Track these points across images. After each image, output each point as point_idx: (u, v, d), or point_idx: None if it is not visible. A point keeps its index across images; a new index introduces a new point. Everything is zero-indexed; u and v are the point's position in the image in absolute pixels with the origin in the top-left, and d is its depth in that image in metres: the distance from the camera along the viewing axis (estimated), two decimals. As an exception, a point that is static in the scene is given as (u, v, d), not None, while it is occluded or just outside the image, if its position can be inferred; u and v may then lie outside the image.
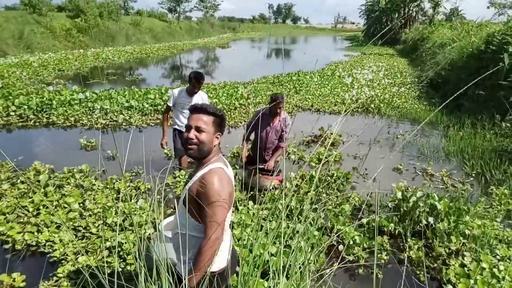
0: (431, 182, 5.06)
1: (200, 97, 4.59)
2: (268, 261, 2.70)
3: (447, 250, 3.33)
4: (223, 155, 1.87)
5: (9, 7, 23.56)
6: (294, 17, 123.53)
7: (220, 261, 1.74)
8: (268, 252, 2.76)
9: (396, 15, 38.33)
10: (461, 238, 3.43)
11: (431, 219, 3.62)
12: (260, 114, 4.12)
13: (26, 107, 7.47)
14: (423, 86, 12.34)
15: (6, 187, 4.17)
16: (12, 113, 7.25)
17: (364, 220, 3.67)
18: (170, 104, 4.61)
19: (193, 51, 28.23)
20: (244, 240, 3.09)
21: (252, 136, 4.61)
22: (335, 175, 4.89)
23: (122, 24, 27.90)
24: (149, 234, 3.34)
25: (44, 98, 7.88)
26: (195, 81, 4.36)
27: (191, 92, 4.47)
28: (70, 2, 25.17)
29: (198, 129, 1.66)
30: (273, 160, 4.42)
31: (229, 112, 8.30)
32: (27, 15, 20.94)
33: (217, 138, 1.74)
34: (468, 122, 7.34)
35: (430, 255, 3.35)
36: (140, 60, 20.06)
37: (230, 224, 1.89)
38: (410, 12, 37.16)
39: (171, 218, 2.86)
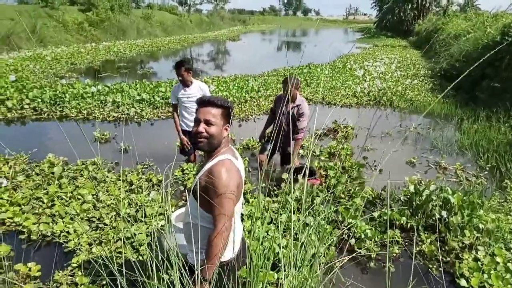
0: (444, 176, 4.99)
1: (198, 87, 4.41)
2: (278, 253, 2.71)
3: (461, 244, 3.30)
4: (233, 146, 1.87)
5: (22, 1, 23.80)
6: (304, 9, 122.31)
7: (229, 251, 1.76)
8: (278, 245, 2.76)
9: (409, 6, 37.58)
10: (474, 232, 3.38)
11: (444, 213, 3.57)
12: (277, 98, 4.13)
13: (39, 100, 7.57)
14: (436, 78, 12.13)
15: (21, 179, 4.25)
16: (26, 106, 7.36)
17: (376, 214, 3.65)
18: (174, 102, 4.52)
19: (203, 44, 28.21)
20: (255, 232, 3.10)
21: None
22: (346, 167, 4.88)
23: (133, 17, 27.99)
24: (162, 226, 3.38)
25: (57, 92, 7.97)
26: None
27: (184, 83, 4.33)
28: (81, -5, 25.31)
29: (207, 122, 1.66)
30: (295, 157, 4.23)
31: (239, 105, 8.29)
32: (40, 9, 21.13)
33: (226, 130, 1.74)
34: (483, 115, 7.20)
35: (443, 249, 3.32)
36: (151, 54, 20.13)
37: (240, 216, 1.90)
38: (424, 3, 36.42)
39: (183, 209, 2.88)
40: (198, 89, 4.38)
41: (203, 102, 1.71)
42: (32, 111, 7.31)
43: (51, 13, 21.30)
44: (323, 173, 4.62)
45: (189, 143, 4.59)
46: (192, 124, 4.42)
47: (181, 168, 4.81)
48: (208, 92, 4.50)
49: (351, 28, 73.70)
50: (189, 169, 4.76)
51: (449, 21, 20.86)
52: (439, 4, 36.01)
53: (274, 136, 3.98)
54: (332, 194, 4.17)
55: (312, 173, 4.31)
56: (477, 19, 15.91)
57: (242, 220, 3.13)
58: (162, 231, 3.09)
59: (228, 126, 1.75)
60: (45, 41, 18.52)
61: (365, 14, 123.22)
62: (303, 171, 3.71)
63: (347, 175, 4.63)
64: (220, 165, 1.63)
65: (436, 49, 16.99)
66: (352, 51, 22.35)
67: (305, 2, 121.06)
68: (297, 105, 4.08)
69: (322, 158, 5.40)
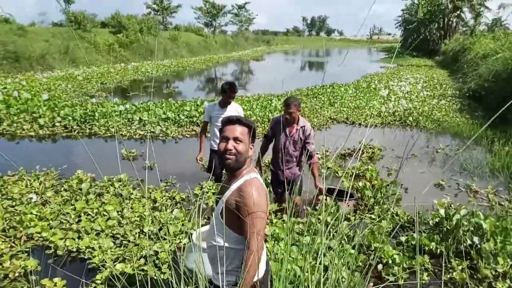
0: (475, 200, 4.79)
1: (235, 109, 4.42)
2: (299, 276, 2.64)
3: (494, 272, 3.13)
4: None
5: (56, 24, 25.10)
6: (328, 30, 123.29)
7: (258, 271, 1.74)
8: (300, 268, 2.70)
9: (435, 25, 37.23)
10: (508, 260, 3.21)
11: (476, 239, 3.41)
12: (275, 122, 3.76)
13: (70, 118, 7.87)
14: (465, 98, 11.84)
15: (50, 194, 4.38)
16: (58, 124, 7.66)
17: (403, 238, 3.52)
18: (206, 119, 4.46)
19: (227, 64, 28.76)
20: (277, 253, 3.05)
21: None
22: (377, 185, 4.77)
23: (160, 38, 28.96)
24: (184, 244, 3.38)
25: (88, 110, 8.27)
26: (230, 91, 4.22)
27: (224, 104, 4.32)
28: (113, 18, 26.49)
29: (236, 140, 1.68)
30: (319, 181, 3.96)
31: (262, 124, 8.33)
32: (73, 31, 22.23)
33: (251, 148, 1.77)
34: (514, 136, 6.94)
35: (475, 277, 3.15)
36: (176, 73, 20.67)
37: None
38: (450, 22, 35.98)
39: (206, 228, 2.87)
40: (235, 110, 4.37)
41: (231, 121, 1.74)
42: (63, 128, 7.59)
43: (83, 35, 22.37)
44: (357, 194, 4.53)
45: (202, 160, 4.58)
46: None
47: (200, 186, 4.83)
48: (242, 113, 4.49)
49: (375, 47, 73.47)
50: (208, 188, 4.76)
51: (477, 41, 20.46)
52: (466, 24, 35.45)
53: (279, 162, 3.81)
54: (361, 218, 4.07)
55: (349, 195, 4.15)
56: (506, 39, 15.55)
57: (266, 241, 3.09)
58: (184, 251, 3.09)
59: (253, 146, 1.78)
60: (77, 62, 19.40)
61: (389, 34, 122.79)
62: (335, 192, 3.50)
63: (381, 193, 4.55)
64: (249, 184, 1.64)
65: (463, 69, 16.65)
66: (376, 70, 22.22)
67: (328, 22, 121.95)
68: (302, 127, 3.73)
69: (344, 179, 5.29)
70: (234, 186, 1.68)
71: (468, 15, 34.87)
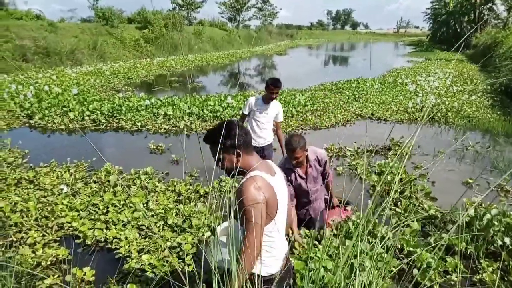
0: (506, 199, 4.62)
1: (276, 106, 4.46)
2: (323, 276, 2.62)
3: (526, 275, 3.01)
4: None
5: (85, 20, 25.80)
6: (353, 23, 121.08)
7: (270, 267, 1.76)
8: (325, 267, 2.67)
9: (466, 18, 35.89)
10: (542, 262, 3.08)
11: (507, 240, 3.29)
12: (284, 169, 3.03)
13: (99, 112, 8.08)
14: (496, 94, 11.38)
15: (80, 186, 4.53)
16: (87, 118, 7.89)
17: (432, 239, 3.43)
18: (246, 112, 4.47)
19: (251, 59, 28.75)
20: (300, 252, 3.04)
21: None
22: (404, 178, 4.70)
23: (185, 33, 29.24)
24: (207, 238, 3.42)
25: (115, 104, 8.47)
26: (273, 87, 4.21)
27: (267, 100, 4.33)
28: (139, 14, 26.91)
29: (216, 161, 1.71)
30: (334, 197, 3.69)
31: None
32: (101, 27, 22.75)
33: (237, 156, 1.72)
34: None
35: (506, 279, 3.04)
36: (200, 68, 20.84)
37: (285, 234, 1.86)
38: (482, 15, 34.57)
39: (226, 223, 2.90)
40: (277, 108, 4.43)
41: (205, 142, 1.77)
42: (92, 122, 7.82)
43: (111, 30, 22.86)
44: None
45: None
46: (260, 140, 4.45)
47: (219, 180, 4.87)
48: (282, 112, 4.51)
49: (402, 41, 71.64)
50: (226, 181, 4.79)
51: (510, 34, 19.60)
52: (498, 17, 33.96)
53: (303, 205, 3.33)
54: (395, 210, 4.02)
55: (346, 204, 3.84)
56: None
57: (289, 241, 3.06)
58: (207, 245, 3.13)
59: (235, 153, 1.71)
60: (104, 57, 19.88)
61: (417, 27, 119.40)
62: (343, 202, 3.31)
63: (410, 187, 4.49)
64: (250, 181, 1.64)
65: (495, 63, 16.00)
66: (403, 65, 21.67)
67: (354, 15, 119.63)
68: (315, 159, 3.24)
69: (365, 177, 5.22)
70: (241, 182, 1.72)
71: (501, 8, 33.36)
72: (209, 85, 14.95)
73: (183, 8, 39.07)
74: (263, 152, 4.60)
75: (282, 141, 4.62)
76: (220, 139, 1.64)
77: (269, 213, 1.64)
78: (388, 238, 3.18)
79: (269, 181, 1.68)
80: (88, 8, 28.86)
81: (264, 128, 4.46)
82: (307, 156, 3.15)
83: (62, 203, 4.04)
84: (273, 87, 4.18)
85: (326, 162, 3.30)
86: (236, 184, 1.78)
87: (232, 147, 1.71)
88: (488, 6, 34.07)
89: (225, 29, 39.21)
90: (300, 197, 3.31)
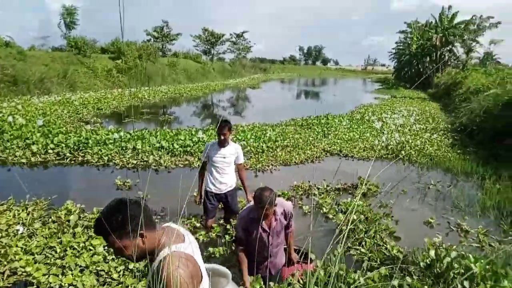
0: (466, 240, 4.77)
1: (234, 149, 4.36)
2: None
3: (485, 320, 3.07)
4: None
5: (56, 48, 25.49)
6: (324, 59, 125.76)
7: None
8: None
9: (428, 58, 38.21)
10: (499, 306, 3.16)
11: (466, 284, 3.37)
12: (248, 218, 3.01)
13: (64, 145, 7.85)
14: (457, 133, 12.01)
15: (38, 226, 4.31)
16: (50, 151, 7.63)
17: (396, 282, 3.47)
18: (204, 159, 4.39)
19: (224, 91, 29.12)
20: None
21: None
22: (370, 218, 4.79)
23: (159, 65, 29.39)
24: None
25: (81, 137, 8.27)
26: (219, 131, 4.12)
27: (221, 143, 4.25)
28: (112, 44, 26.94)
29: (117, 253, 1.48)
30: (293, 251, 3.44)
31: (256, 155, 8.36)
32: (73, 56, 22.52)
33: (142, 238, 1.46)
34: (505, 174, 7.00)
35: (466, 324, 3.09)
36: (173, 100, 20.86)
37: None
38: (442, 56, 36.95)
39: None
40: (234, 150, 4.34)
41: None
42: (56, 155, 7.56)
43: (83, 60, 22.67)
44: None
45: (201, 203, 4.51)
46: (221, 186, 4.32)
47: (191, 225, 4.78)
48: (242, 154, 4.44)
49: (370, 78, 74.90)
50: (201, 237, 4.60)
51: (469, 75, 21.00)
52: (458, 58, 36.40)
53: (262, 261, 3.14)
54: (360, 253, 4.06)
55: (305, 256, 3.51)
56: (497, 74, 15.97)
57: None
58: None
59: (131, 236, 1.43)
60: (75, 86, 19.56)
61: (383, 65, 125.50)
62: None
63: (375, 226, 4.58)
64: (168, 261, 1.39)
65: (455, 103, 16.98)
66: (370, 101, 22.57)
67: (325, 52, 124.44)
68: (281, 213, 3.11)
69: (330, 215, 5.29)
70: (153, 266, 1.50)
71: (460, 50, 35.86)
72: (181, 116, 14.96)
73: (158, 40, 39.49)
74: (227, 199, 4.48)
75: (245, 184, 4.52)
76: (118, 226, 1.39)
77: (197, 285, 1.49)
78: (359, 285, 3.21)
79: (186, 252, 1.50)
80: (61, 37, 28.55)
81: (224, 173, 4.34)
82: (274, 210, 3.02)
83: (17, 246, 3.82)
84: (218, 131, 4.11)
85: (292, 215, 3.19)
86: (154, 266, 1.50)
87: (134, 230, 1.43)
88: (448, 48, 36.49)
89: (199, 62, 39.77)
90: (260, 251, 3.05)
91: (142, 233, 1.44)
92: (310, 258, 3.39)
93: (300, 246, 3.58)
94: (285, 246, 3.44)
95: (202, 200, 4.52)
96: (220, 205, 4.77)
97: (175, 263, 1.39)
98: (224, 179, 4.36)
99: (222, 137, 4.16)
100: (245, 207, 3.26)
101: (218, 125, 4.15)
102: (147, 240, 1.48)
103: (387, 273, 3.65)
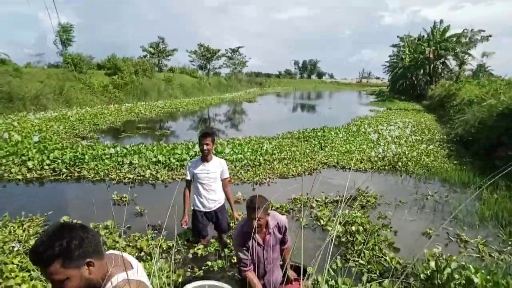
0: (465, 250, 4.76)
1: (218, 163, 4.19)
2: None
3: (487, 331, 3.04)
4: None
5: (52, 65, 25.57)
6: (319, 72, 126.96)
7: None
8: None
9: (421, 71, 38.69)
10: (501, 317, 3.14)
11: (467, 294, 3.35)
12: (242, 234, 2.89)
13: (60, 161, 7.81)
14: (452, 143, 12.08)
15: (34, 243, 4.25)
16: (46, 167, 7.58)
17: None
18: (189, 178, 4.19)
19: (221, 105, 29.25)
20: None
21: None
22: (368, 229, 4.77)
23: (155, 80, 29.53)
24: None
25: (78, 153, 8.23)
26: (202, 138, 3.93)
27: (204, 157, 4.08)
28: (109, 61, 27.10)
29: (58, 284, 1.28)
30: (290, 270, 3.34)
31: (254, 168, 8.35)
32: (68, 72, 22.60)
33: (89, 267, 1.31)
34: (502, 184, 7.02)
35: (469, 335, 3.06)
36: (170, 114, 20.90)
37: None
38: (436, 68, 37.46)
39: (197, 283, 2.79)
40: (218, 165, 4.17)
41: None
42: (52, 171, 7.51)
43: (79, 76, 22.73)
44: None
45: (187, 223, 4.31)
46: (210, 204, 4.16)
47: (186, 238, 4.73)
48: (227, 168, 4.27)
49: (365, 91, 75.59)
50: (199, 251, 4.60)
51: (462, 87, 21.24)
52: (451, 71, 36.91)
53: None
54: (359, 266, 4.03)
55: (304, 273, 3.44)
56: (490, 86, 16.17)
57: None
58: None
59: (79, 266, 1.28)
60: (71, 102, 19.56)
61: (378, 78, 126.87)
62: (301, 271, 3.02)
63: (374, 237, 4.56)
64: None
65: (450, 114, 17.13)
66: (365, 114, 22.72)
67: (320, 66, 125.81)
68: (275, 226, 3.01)
69: (329, 227, 5.26)
70: None
71: (453, 62, 36.38)
72: (178, 131, 14.95)
73: (154, 56, 39.75)
74: (217, 216, 4.32)
75: (231, 200, 4.38)
76: (62, 253, 1.22)
77: None
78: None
79: (138, 279, 1.41)
80: (57, 54, 28.69)
81: (211, 189, 4.17)
82: (267, 222, 2.90)
83: (13, 263, 3.76)
84: (203, 138, 3.93)
85: (286, 229, 3.07)
86: None
87: (81, 257, 1.27)
88: (441, 61, 37.02)
89: (195, 76, 40.02)
90: (256, 267, 2.99)
91: (90, 261, 1.28)
92: (308, 274, 3.35)
93: (297, 262, 3.47)
94: (281, 263, 3.32)
95: (190, 221, 4.37)
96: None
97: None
98: (211, 196, 4.21)
99: (205, 148, 3.95)
100: (236, 226, 3.12)
101: (200, 135, 3.98)
102: (96, 269, 1.30)
103: (390, 287, 3.61)
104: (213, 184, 4.18)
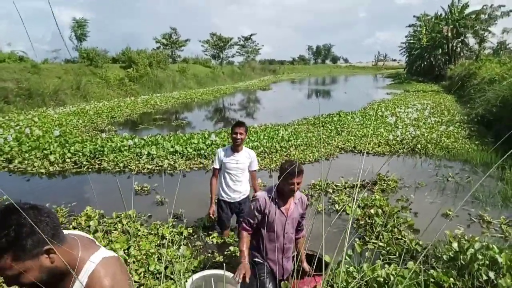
0: (488, 231, 4.67)
1: (248, 153, 4.11)
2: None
3: (512, 310, 3.00)
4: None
5: (68, 60, 26.00)
6: (333, 57, 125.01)
7: None
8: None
9: (440, 51, 37.63)
10: (527, 296, 3.08)
11: (491, 274, 3.30)
12: (265, 200, 2.70)
13: (80, 154, 7.98)
14: (473, 124, 11.77)
15: (59, 233, 4.38)
16: (68, 160, 7.76)
17: (421, 277, 3.41)
18: (217, 166, 4.13)
19: (235, 94, 29.23)
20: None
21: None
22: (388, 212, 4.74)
23: (169, 71, 29.69)
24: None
25: (97, 145, 8.39)
26: (237, 127, 3.88)
27: (235, 147, 4.03)
28: (123, 54, 27.34)
29: (10, 281, 1.09)
30: (305, 261, 3.01)
31: (270, 155, 8.35)
32: (85, 67, 22.93)
33: (49, 255, 1.10)
34: (526, 163, 6.83)
35: (493, 315, 3.02)
36: (185, 105, 21.02)
37: None
38: (454, 48, 36.35)
39: (200, 274, 2.82)
40: (247, 156, 4.10)
41: None
42: (73, 164, 7.69)
43: (95, 70, 23.05)
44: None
45: (215, 213, 4.22)
46: (235, 195, 4.13)
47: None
48: (256, 160, 4.20)
49: (381, 74, 74.15)
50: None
51: (482, 66, 20.59)
52: (470, 49, 35.76)
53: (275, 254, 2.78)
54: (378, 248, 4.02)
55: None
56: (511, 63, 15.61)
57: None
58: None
59: (45, 251, 1.08)
60: (88, 96, 19.88)
61: (394, 60, 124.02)
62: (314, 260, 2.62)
63: (393, 219, 4.52)
64: (96, 275, 1.16)
65: (470, 94, 16.66)
66: (382, 97, 22.33)
67: (334, 50, 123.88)
68: (299, 199, 2.84)
69: (346, 213, 5.24)
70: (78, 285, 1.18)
71: (472, 40, 35.24)
72: (194, 121, 15.05)
73: (167, 47, 39.88)
74: (240, 207, 4.24)
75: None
76: (11, 243, 1.02)
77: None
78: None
79: (113, 255, 1.27)
80: (72, 49, 29.08)
81: (238, 180, 4.11)
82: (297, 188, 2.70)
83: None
84: (236, 127, 3.88)
85: (307, 206, 2.93)
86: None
87: (36, 246, 1.06)
88: (460, 40, 35.89)
89: (209, 66, 39.99)
90: (272, 238, 2.77)
91: (48, 248, 1.07)
92: (325, 262, 2.99)
93: (314, 251, 3.33)
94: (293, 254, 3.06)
95: (213, 210, 4.29)
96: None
97: (115, 274, 1.18)
98: (237, 187, 4.15)
99: (239, 137, 3.89)
100: (258, 193, 2.90)
101: (234, 124, 3.95)
102: (59, 255, 1.10)
103: (416, 269, 3.57)
104: (240, 175, 4.12)
